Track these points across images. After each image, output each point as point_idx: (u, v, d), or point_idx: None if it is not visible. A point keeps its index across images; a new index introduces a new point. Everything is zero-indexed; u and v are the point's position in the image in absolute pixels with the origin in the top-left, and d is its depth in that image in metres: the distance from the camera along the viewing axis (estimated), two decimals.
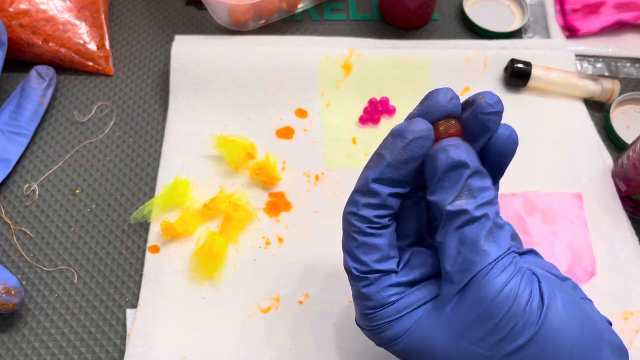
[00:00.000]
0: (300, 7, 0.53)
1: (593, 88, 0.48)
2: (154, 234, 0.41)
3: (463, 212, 0.24)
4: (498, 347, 0.23)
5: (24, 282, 0.40)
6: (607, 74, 0.52)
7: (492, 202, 0.25)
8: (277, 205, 0.43)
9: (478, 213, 0.24)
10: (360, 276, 0.26)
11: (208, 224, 0.42)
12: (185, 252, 0.40)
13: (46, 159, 0.45)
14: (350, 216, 0.26)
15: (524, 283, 0.24)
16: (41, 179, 0.44)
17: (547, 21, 0.55)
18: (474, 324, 0.24)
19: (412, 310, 0.26)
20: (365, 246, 0.26)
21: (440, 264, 0.25)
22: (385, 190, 0.25)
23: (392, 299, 0.26)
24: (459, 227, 0.24)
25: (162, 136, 0.46)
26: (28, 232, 0.42)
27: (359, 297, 0.27)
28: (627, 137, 0.47)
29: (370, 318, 0.26)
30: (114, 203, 0.43)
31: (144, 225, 0.42)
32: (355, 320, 0.28)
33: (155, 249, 0.40)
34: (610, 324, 0.26)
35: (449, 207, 0.24)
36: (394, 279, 0.26)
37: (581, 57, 0.53)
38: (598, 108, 0.49)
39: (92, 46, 0.49)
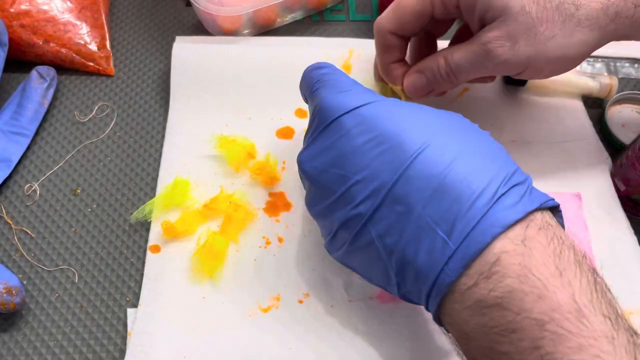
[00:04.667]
0: (290, 17, 0.54)
1: (592, 84, 0.48)
2: (155, 234, 0.41)
3: None
4: None
5: (25, 282, 0.40)
6: (606, 73, 0.52)
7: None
8: (277, 205, 0.43)
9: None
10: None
11: (208, 223, 0.42)
12: (185, 252, 0.40)
13: (47, 159, 0.45)
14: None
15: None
16: (42, 178, 0.44)
17: None
18: None
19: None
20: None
21: None
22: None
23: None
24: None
25: (163, 136, 0.46)
26: (29, 231, 0.42)
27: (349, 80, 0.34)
28: (623, 135, 0.47)
29: (356, 85, 0.33)
30: (115, 203, 0.43)
31: (145, 225, 0.42)
32: (328, 94, 0.33)
33: (156, 249, 0.40)
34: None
35: None
36: None
37: None
38: (596, 107, 0.50)
39: (93, 47, 0.50)
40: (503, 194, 0.26)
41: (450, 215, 0.26)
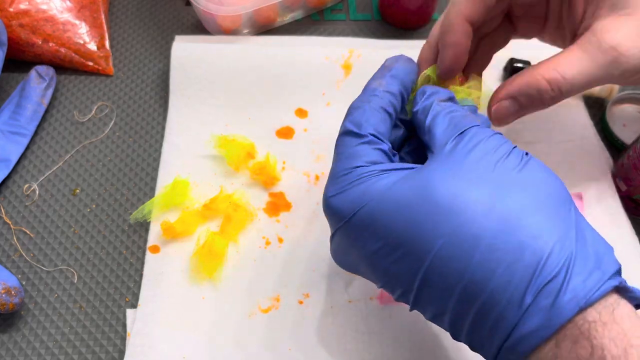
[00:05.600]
0: (290, 17, 0.53)
1: None
2: (154, 234, 0.41)
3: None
4: None
5: (24, 282, 0.40)
6: None
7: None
8: (277, 205, 0.43)
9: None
10: (359, 133, 0.28)
11: (208, 224, 0.42)
12: (185, 252, 0.40)
13: (46, 159, 0.45)
14: (374, 89, 0.30)
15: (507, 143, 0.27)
16: (41, 179, 0.44)
17: None
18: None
19: (395, 170, 0.27)
20: (375, 116, 0.29)
21: (430, 139, 0.28)
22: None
23: (380, 158, 0.28)
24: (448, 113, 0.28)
25: (162, 136, 0.46)
26: (28, 232, 0.42)
27: (345, 157, 0.28)
28: (624, 135, 0.47)
29: (349, 175, 0.27)
30: (114, 203, 0.43)
31: (144, 225, 0.42)
32: (325, 196, 0.28)
33: (155, 249, 0.40)
34: None
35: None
36: (385, 146, 0.28)
37: None
38: (598, 107, 0.49)
39: (92, 46, 0.49)
40: (530, 305, 0.23)
41: (478, 328, 0.24)
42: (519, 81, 0.31)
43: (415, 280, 0.25)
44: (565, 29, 0.36)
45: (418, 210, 0.25)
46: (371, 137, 0.28)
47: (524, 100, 0.31)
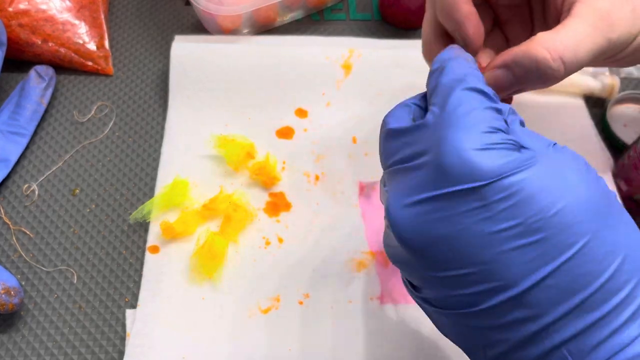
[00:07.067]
0: (290, 16, 0.53)
1: (593, 84, 0.48)
2: (154, 234, 0.41)
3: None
4: None
5: (23, 283, 0.39)
6: (607, 73, 0.52)
7: None
8: (277, 205, 0.43)
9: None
10: (488, 94, 0.25)
11: (208, 224, 0.42)
12: (185, 253, 0.40)
13: (46, 159, 0.45)
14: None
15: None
16: (41, 179, 0.44)
17: None
18: None
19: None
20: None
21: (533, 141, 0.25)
22: None
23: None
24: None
25: (162, 136, 0.46)
26: (27, 232, 0.42)
27: (485, 113, 0.24)
28: (625, 135, 0.47)
29: (494, 135, 0.23)
30: (114, 203, 0.43)
31: (144, 226, 0.42)
32: (460, 144, 0.23)
33: (155, 249, 0.40)
34: None
35: None
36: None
37: None
38: (598, 107, 0.49)
39: (92, 46, 0.49)
40: None
41: (582, 343, 0.21)
42: (516, 50, 0.28)
43: (533, 273, 0.21)
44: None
45: (572, 201, 0.22)
46: (501, 106, 0.25)
47: (519, 71, 0.28)
